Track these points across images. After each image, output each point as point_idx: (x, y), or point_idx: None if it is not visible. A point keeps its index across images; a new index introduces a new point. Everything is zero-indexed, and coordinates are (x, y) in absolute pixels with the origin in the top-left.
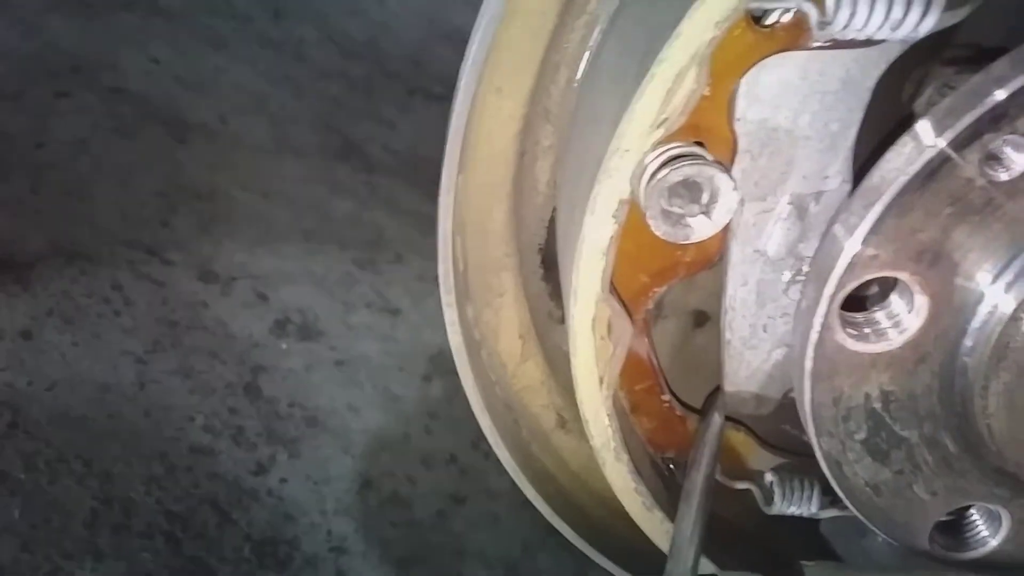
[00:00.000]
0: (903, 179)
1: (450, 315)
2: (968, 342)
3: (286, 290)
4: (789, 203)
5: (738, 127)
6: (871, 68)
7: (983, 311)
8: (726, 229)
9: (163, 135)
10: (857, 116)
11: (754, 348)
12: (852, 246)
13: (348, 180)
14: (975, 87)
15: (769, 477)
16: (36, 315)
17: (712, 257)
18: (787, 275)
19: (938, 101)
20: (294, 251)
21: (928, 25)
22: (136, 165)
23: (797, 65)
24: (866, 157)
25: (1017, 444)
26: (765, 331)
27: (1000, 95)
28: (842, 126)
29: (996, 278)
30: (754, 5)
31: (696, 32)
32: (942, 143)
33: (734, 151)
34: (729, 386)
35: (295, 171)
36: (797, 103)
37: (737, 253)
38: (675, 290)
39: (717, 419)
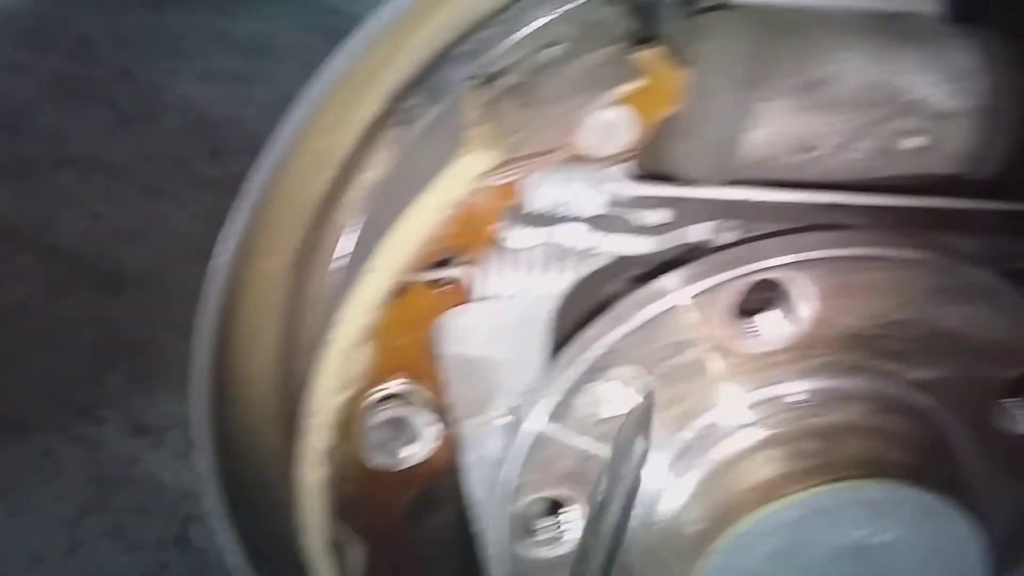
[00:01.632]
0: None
1: None
2: None
3: None
4: (505, 413)
5: (441, 362)
6: (541, 307)
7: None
8: (452, 441)
9: (99, 291)
10: (542, 339)
11: None
12: (511, 472)
13: None
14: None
15: None
16: None
17: (443, 466)
18: None
19: None
20: None
21: (566, 281)
22: (71, 325)
23: (477, 311)
24: None
25: None
26: None
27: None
28: (532, 349)
29: None
30: (407, 279)
31: (356, 317)
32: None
33: (443, 381)
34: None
35: None
36: (486, 338)
37: (467, 461)
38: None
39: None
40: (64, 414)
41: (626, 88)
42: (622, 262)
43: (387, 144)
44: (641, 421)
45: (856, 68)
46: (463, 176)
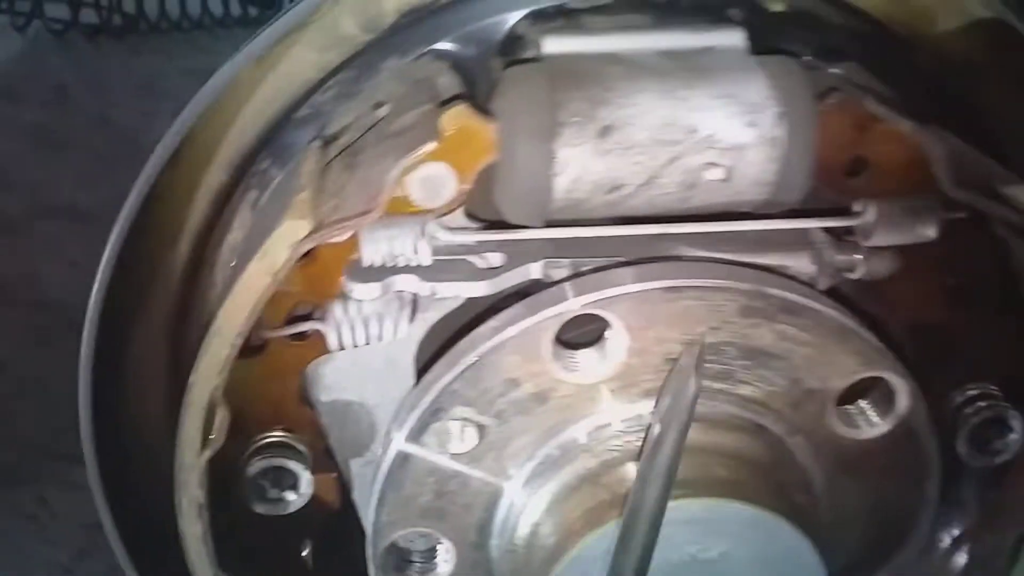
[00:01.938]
0: (382, 473)
1: None
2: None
3: None
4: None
5: (316, 408)
6: (404, 349)
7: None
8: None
9: None
10: (409, 381)
11: None
12: (374, 510)
13: None
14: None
15: None
16: None
17: (337, 508)
18: None
19: None
20: None
21: (421, 324)
22: (57, 375)
23: (341, 359)
24: None
25: None
26: None
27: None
28: (400, 390)
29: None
30: (266, 335)
31: (207, 379)
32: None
33: (321, 426)
34: None
35: None
36: (357, 382)
37: (358, 497)
38: None
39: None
40: (56, 462)
41: (429, 148)
42: (472, 303)
43: (244, 207)
44: (696, 363)
45: (649, 110)
46: (283, 243)
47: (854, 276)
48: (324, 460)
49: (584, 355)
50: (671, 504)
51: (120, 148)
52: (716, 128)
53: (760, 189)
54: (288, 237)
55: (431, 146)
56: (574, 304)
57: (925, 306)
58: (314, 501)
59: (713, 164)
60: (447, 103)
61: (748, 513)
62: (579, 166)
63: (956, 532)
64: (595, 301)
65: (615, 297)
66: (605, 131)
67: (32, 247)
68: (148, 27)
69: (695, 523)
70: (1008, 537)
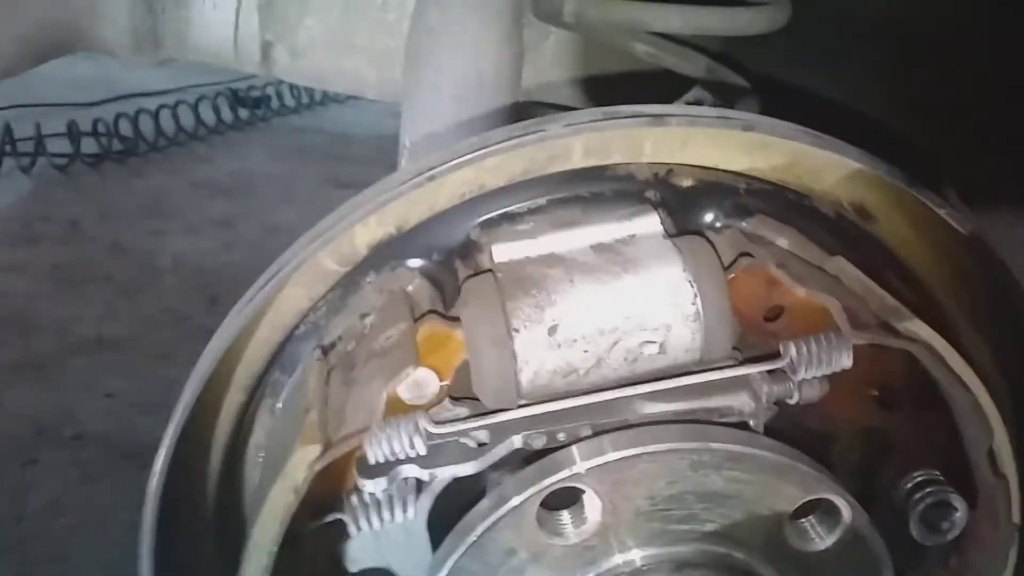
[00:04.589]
0: None
1: None
2: None
3: None
4: None
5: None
6: (416, 522)
7: None
8: None
9: (129, 468)
10: (426, 546)
11: None
12: None
13: None
14: None
15: None
16: None
17: None
18: None
19: None
20: None
21: (426, 501)
22: (109, 507)
23: (363, 540)
24: None
25: None
26: None
27: None
28: (421, 559)
29: None
30: (295, 529)
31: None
32: None
33: None
34: None
35: None
36: (381, 554)
37: None
38: None
39: None
40: None
41: (409, 371)
42: (466, 480)
43: (263, 412)
44: None
45: (587, 305)
46: (300, 465)
47: (791, 402)
48: None
49: (567, 517)
50: None
51: (135, 274)
52: (645, 312)
53: (691, 354)
54: (304, 459)
55: (410, 369)
56: (549, 481)
57: (859, 414)
58: None
59: (648, 342)
60: (421, 318)
61: None
62: (536, 362)
63: None
64: (567, 477)
65: (582, 473)
66: (553, 330)
67: (66, 383)
68: (147, 147)
69: None
70: None
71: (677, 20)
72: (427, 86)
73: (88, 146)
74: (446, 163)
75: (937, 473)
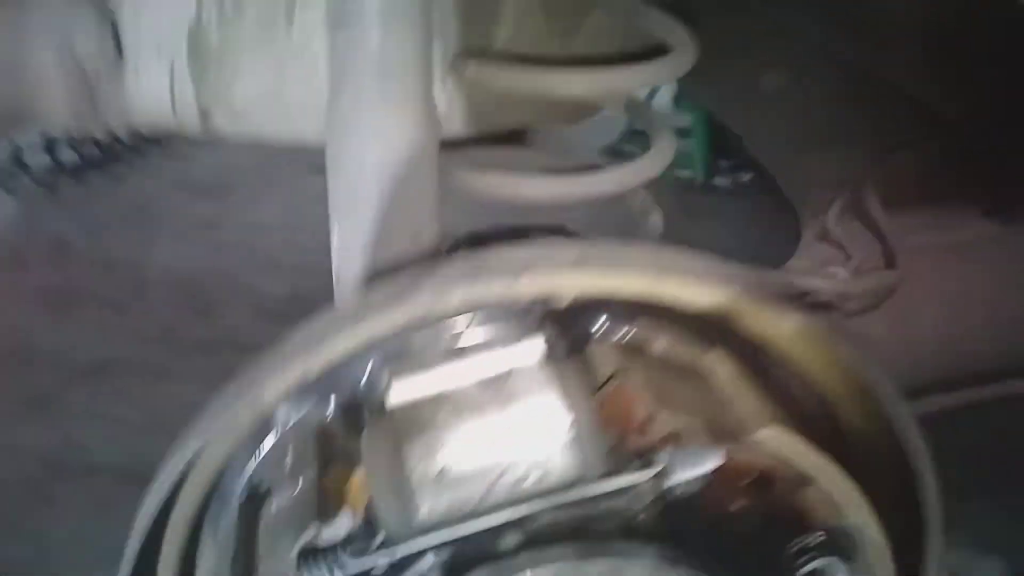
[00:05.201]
0: None
1: None
2: None
3: None
4: None
5: None
6: None
7: None
8: None
9: (142, 495)
10: None
11: None
12: None
13: None
14: None
15: None
16: None
17: None
18: None
19: None
20: None
21: None
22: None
23: None
24: None
25: None
26: None
27: None
28: None
29: None
30: None
31: None
32: None
33: None
34: None
35: None
36: None
37: None
38: None
39: None
40: None
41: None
42: None
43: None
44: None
45: (473, 445)
46: None
47: (675, 495)
48: None
49: None
50: None
51: (128, 289)
52: (525, 446)
53: (572, 474)
54: None
55: (313, 528)
56: None
57: (741, 495)
58: None
59: (532, 470)
60: (330, 462)
61: None
62: (428, 503)
63: None
64: None
65: None
66: (442, 473)
67: (71, 414)
68: (126, 149)
69: None
70: None
71: (581, 85)
72: (349, 188)
73: (68, 157)
74: (345, 331)
75: (822, 535)
